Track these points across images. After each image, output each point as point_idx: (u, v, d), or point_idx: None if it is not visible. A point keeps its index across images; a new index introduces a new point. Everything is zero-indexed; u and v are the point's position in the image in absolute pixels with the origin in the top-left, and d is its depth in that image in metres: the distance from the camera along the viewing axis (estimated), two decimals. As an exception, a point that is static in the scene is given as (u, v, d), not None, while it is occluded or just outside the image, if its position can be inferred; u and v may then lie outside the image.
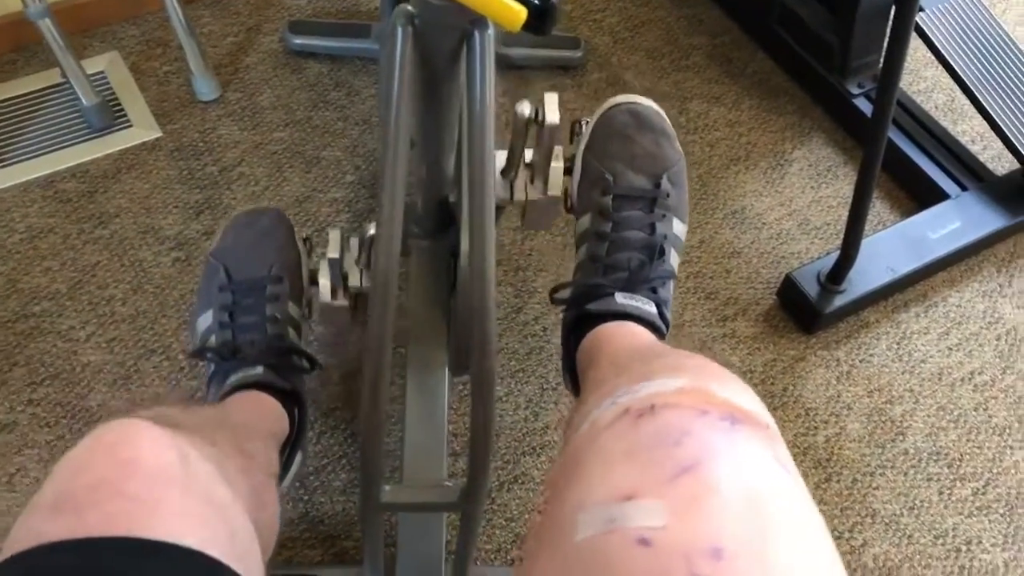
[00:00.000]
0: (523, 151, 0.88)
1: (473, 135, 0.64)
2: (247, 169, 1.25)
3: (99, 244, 1.16)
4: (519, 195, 0.90)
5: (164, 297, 1.12)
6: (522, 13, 0.54)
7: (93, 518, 0.48)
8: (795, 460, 1.03)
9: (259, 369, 0.85)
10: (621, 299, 0.79)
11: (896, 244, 1.19)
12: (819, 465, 1.06)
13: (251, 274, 0.89)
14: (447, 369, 0.88)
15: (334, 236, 0.90)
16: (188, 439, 0.57)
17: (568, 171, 0.87)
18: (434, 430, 0.83)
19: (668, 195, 0.82)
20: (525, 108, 0.84)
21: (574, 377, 0.82)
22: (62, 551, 0.47)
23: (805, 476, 1.03)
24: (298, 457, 0.90)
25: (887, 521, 1.03)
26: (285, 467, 0.88)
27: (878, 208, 1.28)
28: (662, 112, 0.87)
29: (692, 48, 1.45)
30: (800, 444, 1.07)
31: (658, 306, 0.80)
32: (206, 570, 0.49)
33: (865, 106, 1.32)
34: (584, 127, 0.88)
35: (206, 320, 0.89)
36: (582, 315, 0.81)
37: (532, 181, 0.90)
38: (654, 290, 0.80)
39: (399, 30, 0.60)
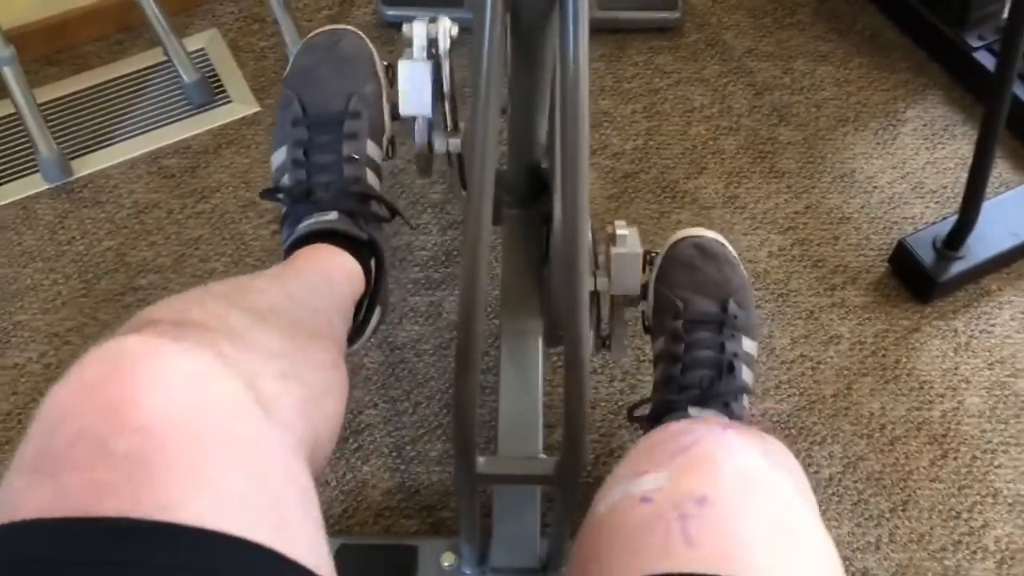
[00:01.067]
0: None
1: (566, 97, 0.62)
2: (343, 142, 1.25)
3: (201, 218, 1.18)
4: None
5: (264, 269, 1.14)
6: (615, -35, 0.51)
7: (74, 486, 0.39)
8: (908, 435, 0.99)
9: (333, 215, 0.81)
10: (694, 413, 0.83)
11: (1021, 207, 1.11)
12: (935, 441, 1.00)
13: (328, 107, 0.84)
14: (541, 340, 0.86)
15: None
16: (213, 346, 0.48)
17: (644, 297, 0.90)
18: (528, 402, 0.81)
19: (736, 317, 0.86)
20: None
21: None
22: (33, 534, 0.38)
23: (919, 452, 0.98)
24: (376, 312, 0.86)
25: (1011, 502, 0.97)
26: (364, 322, 0.85)
27: (1000, 168, 1.20)
28: (724, 241, 0.92)
29: (797, 5, 1.39)
30: (914, 419, 1.02)
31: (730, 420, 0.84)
32: (228, 557, 0.39)
33: (987, 60, 1.23)
34: (655, 258, 0.92)
35: (280, 156, 0.85)
36: None
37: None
38: (726, 404, 0.84)
39: (489, -11, 0.58)
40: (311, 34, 0.90)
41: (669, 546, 0.45)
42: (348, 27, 0.91)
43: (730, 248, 0.92)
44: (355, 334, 0.84)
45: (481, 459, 0.75)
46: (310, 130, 0.84)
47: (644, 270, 0.91)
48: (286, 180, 0.85)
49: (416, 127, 0.86)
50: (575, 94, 0.60)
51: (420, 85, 0.83)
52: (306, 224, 0.82)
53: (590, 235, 0.85)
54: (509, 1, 0.59)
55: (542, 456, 0.79)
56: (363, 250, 0.84)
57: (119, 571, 0.37)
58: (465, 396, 0.69)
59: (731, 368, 0.84)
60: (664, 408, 0.86)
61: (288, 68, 0.88)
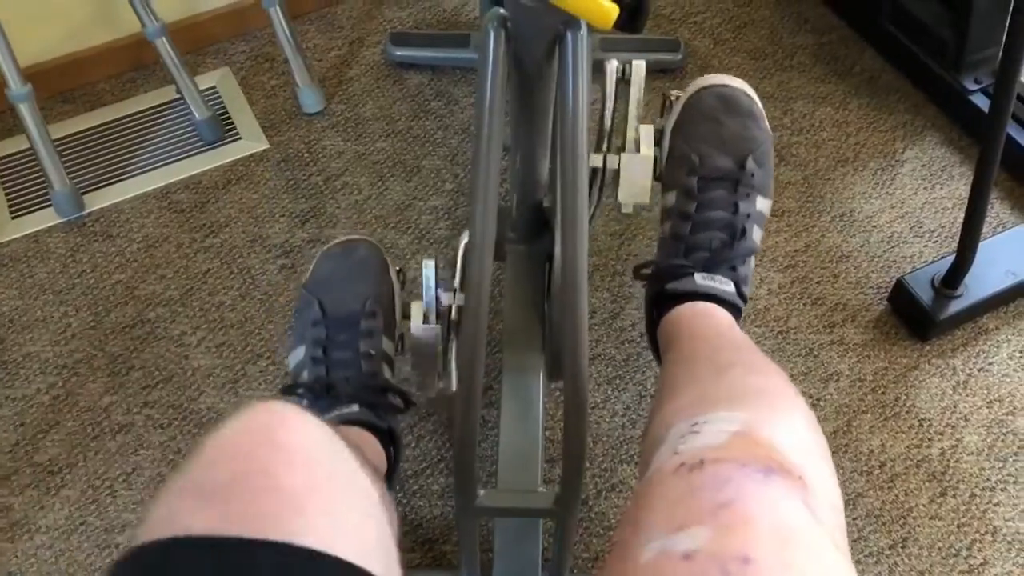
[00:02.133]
0: (613, 115, 0.87)
1: (566, 138, 0.64)
2: (351, 179, 1.28)
3: (210, 252, 1.20)
4: (612, 164, 0.87)
5: (271, 303, 1.15)
6: (614, 11, 0.53)
7: (242, 513, 0.45)
8: (908, 473, 0.99)
9: (355, 407, 0.84)
10: (700, 280, 0.81)
11: (1017, 246, 1.12)
12: (933, 478, 1.01)
13: (345, 309, 0.88)
14: (542, 374, 0.88)
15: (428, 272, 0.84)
16: (330, 427, 0.54)
17: (658, 142, 0.87)
18: (529, 435, 0.83)
19: (753, 175, 0.83)
20: (614, 65, 0.86)
21: (656, 344, 0.85)
22: (204, 548, 0.44)
23: (918, 490, 0.99)
24: (389, 496, 0.87)
25: (1010, 540, 0.97)
26: None
27: (997, 209, 1.22)
28: (751, 92, 0.88)
29: (797, 48, 1.41)
30: (913, 456, 1.02)
31: (736, 284, 0.83)
32: None
33: (982, 102, 1.25)
34: (674, 102, 0.88)
35: (298, 355, 0.88)
36: (663, 292, 0.83)
37: (624, 149, 0.88)
38: (734, 268, 0.82)
39: (491, 33, 0.60)
40: (329, 244, 0.95)
41: None
42: (364, 237, 0.96)
43: (757, 100, 0.87)
44: None
45: (481, 492, 0.76)
46: (328, 329, 0.87)
47: (661, 114, 0.89)
48: (305, 377, 0.87)
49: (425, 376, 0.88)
50: (574, 132, 0.62)
51: (428, 349, 0.85)
52: (328, 417, 0.84)
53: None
54: (511, 44, 0.61)
55: (541, 489, 0.79)
56: (383, 438, 0.87)
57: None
58: (466, 430, 0.70)
59: (743, 232, 0.82)
60: (669, 271, 0.83)
61: (308, 275, 0.93)
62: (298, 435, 0.48)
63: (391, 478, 0.89)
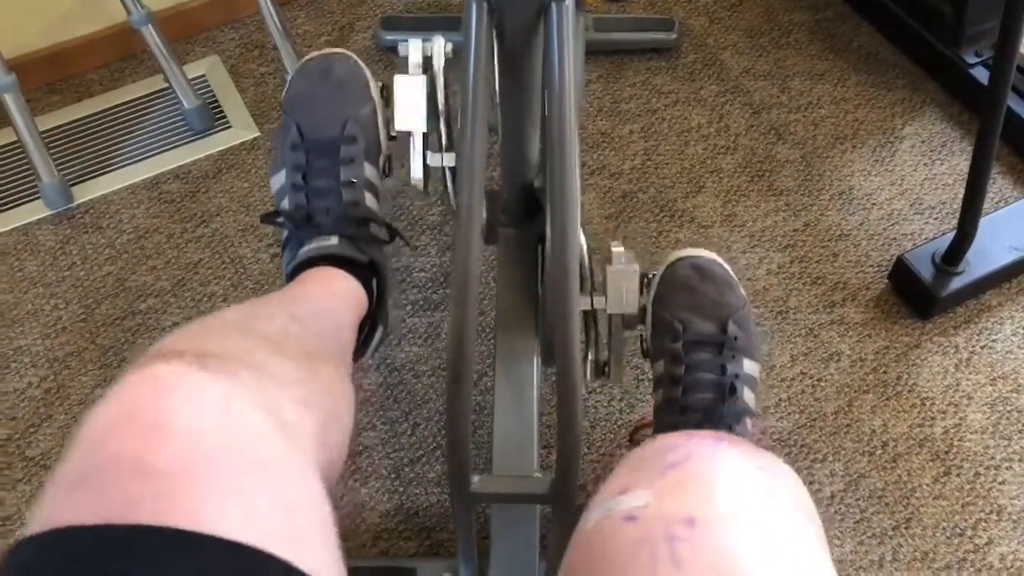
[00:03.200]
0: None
1: (553, 114, 0.62)
2: (342, 165, 1.26)
3: (201, 242, 1.19)
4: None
5: (263, 292, 1.14)
6: (597, -19, 0.51)
7: (115, 499, 0.43)
8: (911, 452, 0.98)
9: (334, 240, 0.83)
10: None
11: (1019, 221, 1.11)
12: (937, 458, 0.99)
13: (324, 133, 0.85)
14: (536, 358, 0.86)
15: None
16: (237, 377, 0.51)
17: (641, 320, 0.89)
18: (523, 420, 0.81)
19: (736, 338, 0.85)
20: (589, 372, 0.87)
21: None
22: (75, 539, 0.42)
23: (921, 469, 0.97)
24: (379, 331, 0.88)
25: (1015, 518, 0.95)
26: (365, 342, 0.86)
27: (999, 184, 1.20)
28: (722, 261, 0.90)
29: (793, 25, 1.39)
30: (916, 436, 1.01)
31: None
32: (246, 566, 0.43)
33: (983, 75, 1.23)
34: (652, 279, 0.91)
35: (279, 179, 0.87)
36: None
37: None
38: (729, 428, 0.83)
39: (473, 6, 0.59)
40: (305, 58, 0.92)
41: (657, 571, 0.43)
42: (342, 51, 0.92)
43: (728, 268, 0.91)
44: (358, 352, 0.85)
45: (476, 478, 0.74)
46: (308, 155, 0.85)
47: (641, 292, 0.90)
48: (286, 204, 0.86)
49: (412, 144, 0.87)
50: (561, 109, 0.60)
51: (415, 100, 0.84)
52: (307, 249, 0.83)
53: (586, 255, 0.85)
54: (494, 18, 0.60)
55: (537, 474, 0.78)
56: (364, 271, 0.85)
57: (151, 571, 0.41)
58: (458, 415, 0.69)
59: (732, 390, 0.83)
60: (666, 431, 0.84)
61: (284, 92, 0.90)
62: (173, 409, 0.45)
63: (379, 310, 0.87)
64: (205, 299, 1.14)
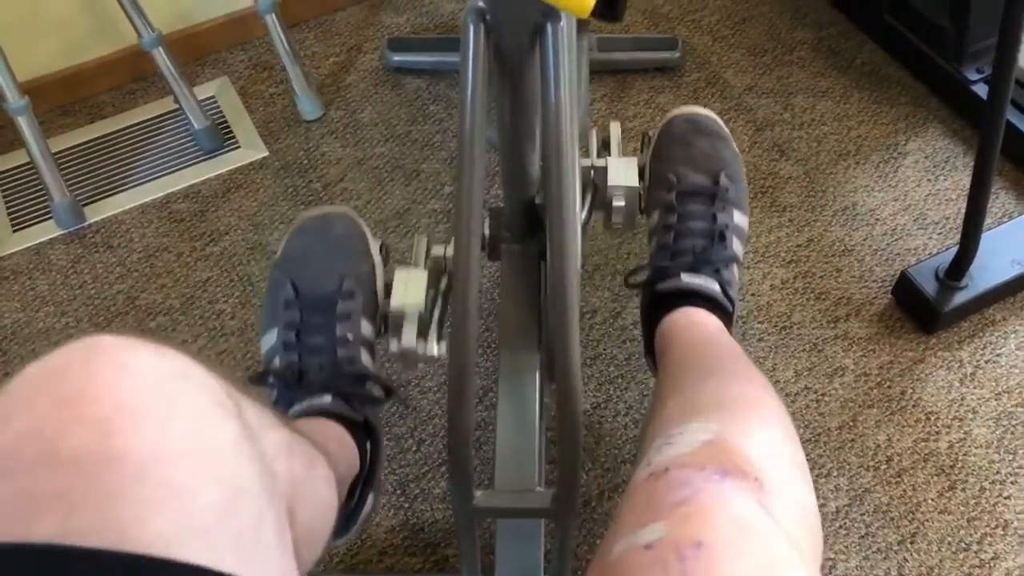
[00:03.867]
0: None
1: (550, 132, 0.63)
2: (350, 184, 1.28)
3: (210, 261, 1.20)
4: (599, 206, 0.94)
5: (270, 310, 1.15)
6: (591, 0, 0.53)
7: (5, 500, 0.34)
8: (916, 467, 0.98)
9: (327, 398, 0.79)
10: (686, 278, 0.86)
11: (1022, 236, 1.11)
12: (942, 472, 0.99)
13: (321, 289, 0.82)
14: (539, 374, 0.87)
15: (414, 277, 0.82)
16: (194, 365, 0.42)
17: (641, 175, 0.95)
18: (526, 435, 0.82)
19: (727, 190, 0.90)
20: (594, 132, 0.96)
21: (654, 358, 0.88)
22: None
23: (926, 484, 0.97)
24: (370, 499, 0.83)
25: (1021, 533, 0.95)
26: (356, 509, 0.82)
27: (1002, 199, 1.20)
28: (717, 118, 0.95)
29: (796, 42, 1.40)
30: (920, 450, 1.01)
31: (721, 286, 0.87)
32: None
33: (985, 92, 1.23)
34: (652, 136, 0.97)
35: (270, 339, 0.83)
36: (655, 297, 0.88)
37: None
38: (717, 271, 0.87)
39: (471, 26, 0.60)
40: (301, 217, 0.89)
41: None
42: (340, 208, 0.90)
43: (723, 124, 0.95)
44: (347, 520, 0.81)
45: (478, 493, 0.75)
46: (303, 312, 0.81)
47: (641, 150, 0.97)
48: (276, 363, 0.81)
49: (404, 329, 0.84)
50: (558, 125, 0.62)
51: (414, 288, 0.84)
52: (299, 407, 0.79)
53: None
54: (491, 38, 0.61)
55: (539, 489, 0.78)
56: (358, 431, 0.81)
57: None
58: (460, 429, 0.70)
59: (722, 237, 0.88)
60: (658, 274, 0.88)
61: (279, 252, 0.87)
62: (110, 376, 0.37)
63: (372, 476, 0.83)
64: (214, 316, 1.15)
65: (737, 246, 0.90)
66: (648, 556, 0.49)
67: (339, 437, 0.78)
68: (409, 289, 0.84)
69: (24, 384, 0.38)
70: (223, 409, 0.42)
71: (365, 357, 0.84)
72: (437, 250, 0.89)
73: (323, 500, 0.65)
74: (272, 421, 0.56)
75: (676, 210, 0.89)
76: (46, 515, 0.33)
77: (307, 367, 0.80)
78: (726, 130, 0.95)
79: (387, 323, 0.87)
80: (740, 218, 0.91)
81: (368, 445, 0.83)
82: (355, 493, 0.81)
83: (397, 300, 0.84)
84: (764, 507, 0.53)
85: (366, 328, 0.84)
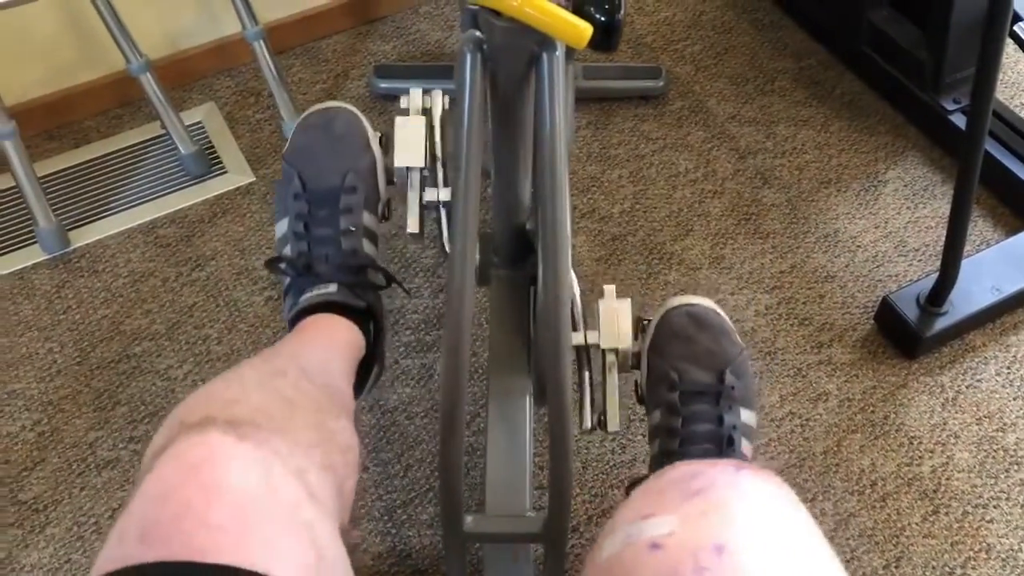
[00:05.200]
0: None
1: (544, 159, 0.64)
2: (336, 210, 1.28)
3: (196, 286, 1.20)
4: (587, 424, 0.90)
5: (257, 335, 1.15)
6: (588, 30, 0.54)
7: (181, 548, 0.48)
8: (899, 491, 0.99)
9: (332, 287, 0.86)
10: None
11: (1001, 263, 1.13)
12: (925, 496, 1.00)
13: (325, 183, 0.90)
14: (528, 399, 0.87)
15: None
16: (270, 445, 0.57)
17: (636, 366, 0.90)
18: (516, 460, 0.82)
19: (733, 387, 0.85)
20: (587, 418, 0.89)
21: None
22: (151, 570, 0.48)
23: (910, 508, 0.98)
24: (375, 370, 0.92)
25: (1004, 556, 0.96)
26: (363, 381, 0.90)
27: (980, 227, 1.23)
28: (718, 309, 0.90)
29: (777, 72, 1.43)
30: (904, 475, 1.02)
31: None
32: None
33: (962, 122, 1.26)
34: (647, 326, 0.91)
35: (282, 227, 0.91)
36: None
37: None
38: None
39: (468, 55, 0.61)
40: (307, 112, 0.96)
41: None
42: (342, 104, 0.96)
43: (724, 316, 0.90)
44: (357, 391, 0.89)
45: (468, 517, 0.75)
46: (309, 204, 0.89)
47: (636, 337, 0.91)
48: (288, 251, 0.90)
49: (409, 180, 0.93)
50: (552, 152, 0.62)
51: (415, 139, 0.91)
52: (308, 297, 0.87)
53: (577, 296, 0.87)
54: (488, 66, 0.62)
55: (529, 514, 0.79)
56: (362, 316, 0.89)
57: None
58: (451, 454, 0.70)
59: (731, 441, 0.83)
60: None
61: (287, 145, 0.94)
62: (226, 472, 0.52)
63: (375, 351, 0.91)
64: (200, 342, 1.14)
65: (746, 447, 0.85)
66: (657, 560, 0.44)
67: (345, 335, 0.86)
68: (410, 147, 0.91)
69: (167, 475, 0.52)
70: (301, 490, 0.56)
71: (368, 246, 0.91)
72: (426, 100, 0.93)
73: (352, 490, 0.72)
74: (322, 462, 0.64)
75: (680, 412, 0.84)
76: (209, 553, 0.49)
77: (315, 257, 0.88)
78: (728, 322, 0.90)
79: (389, 208, 0.96)
80: (748, 416, 0.86)
81: (372, 326, 0.90)
82: (362, 369, 0.90)
83: (400, 160, 0.92)
84: (783, 498, 0.49)
85: (368, 219, 0.91)
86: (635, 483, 0.88)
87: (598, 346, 0.87)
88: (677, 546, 0.44)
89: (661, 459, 0.86)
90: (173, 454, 0.53)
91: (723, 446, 0.82)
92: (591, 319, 0.89)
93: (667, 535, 0.44)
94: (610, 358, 0.87)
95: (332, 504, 0.61)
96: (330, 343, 0.85)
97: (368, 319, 0.90)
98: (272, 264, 0.91)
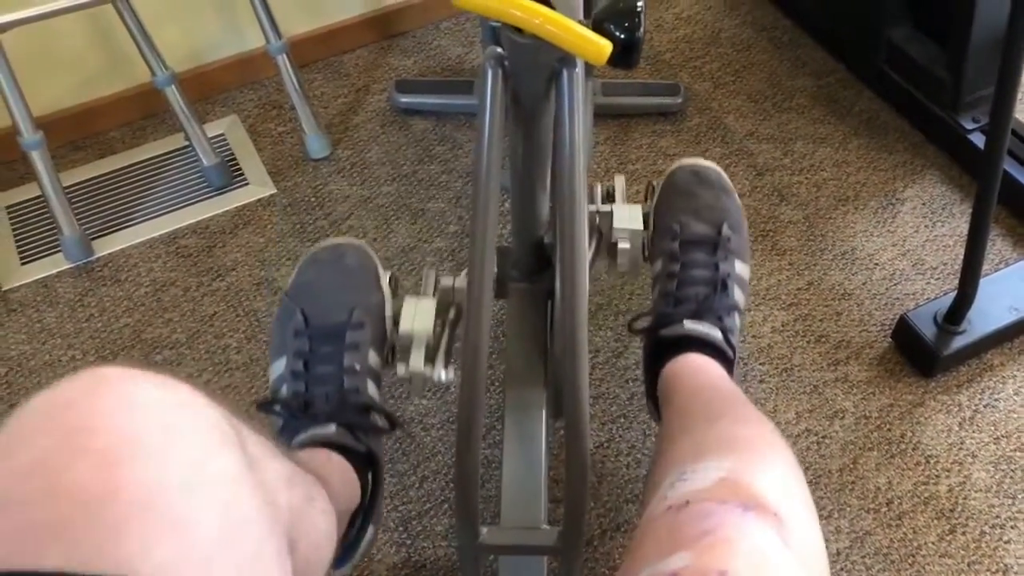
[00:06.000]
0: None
1: (562, 174, 0.65)
2: (356, 222, 1.29)
3: (216, 296, 1.21)
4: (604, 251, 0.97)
5: (276, 346, 1.16)
6: (607, 48, 0.55)
7: (15, 528, 0.34)
8: (916, 510, 0.98)
9: (331, 428, 0.79)
10: (689, 324, 0.88)
11: (1020, 282, 1.13)
12: (942, 516, 1.00)
13: (331, 319, 0.83)
14: (545, 412, 0.88)
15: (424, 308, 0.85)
16: (196, 395, 0.43)
17: (645, 224, 0.97)
18: (532, 472, 0.82)
19: (729, 239, 0.92)
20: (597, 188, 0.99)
21: (656, 403, 0.90)
22: None
23: (927, 527, 0.98)
24: (370, 531, 0.83)
25: (1021, 577, 0.96)
26: (355, 541, 0.82)
27: (999, 245, 1.22)
28: (720, 171, 0.98)
29: (796, 90, 1.43)
30: (920, 494, 1.02)
31: (723, 333, 0.88)
32: None
33: (981, 141, 1.26)
34: (656, 187, 0.99)
35: (278, 368, 0.84)
36: (658, 342, 0.89)
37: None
38: (720, 318, 0.88)
39: (489, 71, 0.62)
40: (314, 248, 0.91)
41: None
42: (353, 240, 0.92)
43: (725, 176, 0.97)
44: (346, 551, 0.81)
45: (484, 529, 0.75)
46: (312, 341, 0.83)
47: (646, 200, 1.00)
48: (284, 392, 0.83)
49: (412, 353, 0.86)
50: (571, 168, 0.63)
51: (423, 316, 0.87)
52: (304, 436, 0.80)
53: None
54: (509, 82, 0.63)
55: (544, 527, 0.79)
56: (361, 462, 0.82)
57: None
58: (467, 466, 0.70)
59: (724, 286, 0.90)
60: (661, 320, 0.90)
61: (291, 281, 0.89)
62: (115, 406, 0.38)
63: (372, 508, 0.84)
64: (219, 351, 1.16)
65: (739, 295, 0.92)
66: None
67: (341, 468, 0.79)
68: (418, 316, 0.86)
69: (27, 416, 0.38)
70: (224, 439, 0.42)
71: (371, 388, 0.85)
72: (446, 281, 0.92)
73: (321, 533, 0.66)
74: (274, 451, 0.56)
75: (679, 259, 0.91)
76: (52, 546, 0.33)
77: (313, 396, 0.81)
78: (729, 182, 0.97)
79: (395, 351, 0.88)
80: (741, 267, 0.93)
81: (370, 476, 0.83)
82: (355, 524, 0.82)
83: (406, 325, 0.86)
84: (784, 541, 0.54)
85: (373, 359, 0.85)
86: (635, 319, 0.93)
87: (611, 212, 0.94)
88: (689, 573, 0.50)
89: (660, 300, 0.91)
90: (51, 387, 0.40)
91: (717, 289, 0.89)
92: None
93: (683, 567, 0.51)
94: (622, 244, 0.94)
95: (278, 487, 0.51)
96: (324, 469, 0.75)
97: (367, 466, 0.83)
98: (265, 407, 0.82)
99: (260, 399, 0.85)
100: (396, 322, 0.87)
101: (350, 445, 0.80)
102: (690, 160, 0.98)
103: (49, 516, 0.34)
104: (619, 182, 1.01)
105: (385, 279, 0.91)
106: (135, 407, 0.38)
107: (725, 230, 0.92)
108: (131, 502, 0.35)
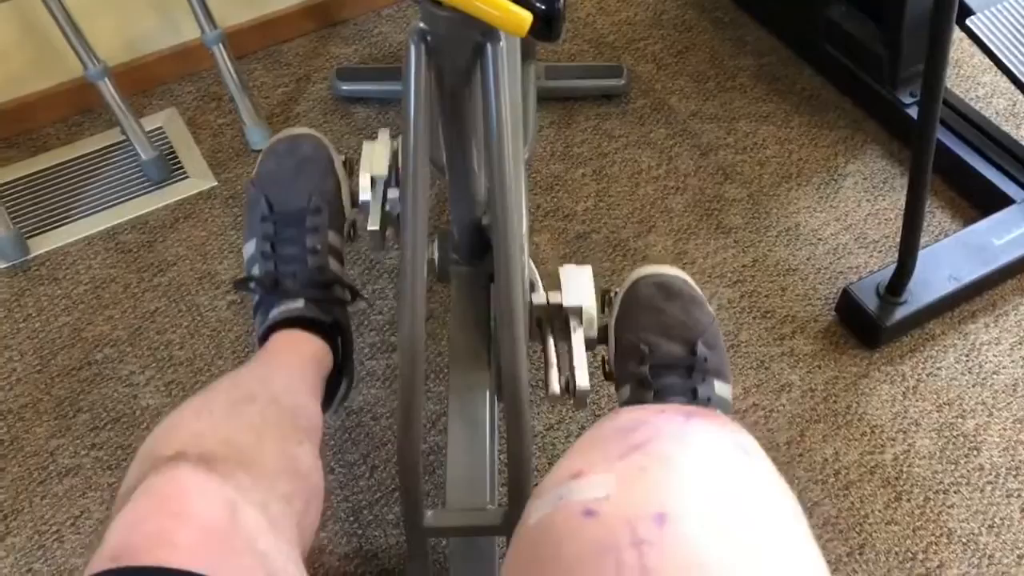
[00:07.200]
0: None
1: (492, 150, 0.65)
2: (299, 213, 1.27)
3: (158, 291, 1.19)
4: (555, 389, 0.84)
5: (220, 340, 1.14)
6: (527, 19, 0.54)
7: (149, 563, 0.52)
8: (862, 480, 0.99)
9: (300, 303, 0.88)
10: None
11: (958, 252, 1.14)
12: (888, 484, 1.01)
13: (291, 205, 0.92)
14: (489, 394, 0.87)
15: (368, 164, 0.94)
16: (235, 479, 0.61)
17: (603, 340, 0.87)
18: (476, 454, 0.82)
19: (706, 359, 0.81)
20: (554, 382, 0.82)
21: None
22: (124, 572, 0.52)
23: (873, 496, 0.99)
24: (343, 384, 0.94)
25: (964, 541, 0.97)
26: (331, 394, 0.92)
27: (939, 217, 1.24)
28: (687, 278, 0.88)
29: (738, 69, 1.44)
30: (867, 463, 1.03)
31: None
32: None
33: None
34: (614, 298, 0.88)
35: (250, 248, 0.94)
36: None
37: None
38: None
39: (412, 47, 0.61)
40: (273, 139, 1.00)
41: None
42: (308, 130, 1.00)
43: (694, 284, 0.87)
44: (326, 404, 0.91)
45: (429, 512, 0.75)
46: (276, 225, 0.92)
47: (603, 310, 0.87)
48: (256, 271, 0.93)
49: (373, 192, 0.95)
50: (500, 144, 0.63)
51: (380, 153, 0.96)
52: (276, 312, 0.89)
53: (530, 291, 0.86)
54: (432, 60, 0.62)
55: (490, 507, 0.79)
56: (329, 331, 0.90)
57: None
58: (409, 448, 0.70)
59: None
60: None
61: (255, 170, 0.98)
62: (193, 504, 0.56)
63: (344, 365, 0.93)
64: (162, 347, 1.14)
65: None
66: (591, 531, 0.38)
67: (313, 350, 0.87)
68: (375, 160, 0.95)
69: (138, 508, 0.56)
70: (261, 525, 0.60)
71: (333, 264, 0.93)
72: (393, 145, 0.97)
73: (315, 520, 0.74)
74: (285, 492, 0.66)
75: (651, 386, 0.80)
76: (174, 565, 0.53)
77: (282, 275, 0.90)
78: (699, 290, 0.87)
79: (355, 229, 0.99)
80: (722, 388, 0.83)
81: (340, 340, 0.92)
82: (331, 382, 0.91)
83: (365, 167, 0.95)
84: (740, 449, 0.43)
85: (333, 238, 0.94)
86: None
87: (560, 306, 0.83)
88: (612, 513, 0.38)
89: None
90: (146, 489, 0.57)
91: None
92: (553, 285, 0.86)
93: (602, 499, 0.39)
94: (574, 320, 0.83)
95: (291, 532, 0.64)
96: (298, 359, 0.86)
97: (336, 333, 0.91)
98: (241, 284, 0.93)
99: (236, 278, 0.95)
100: (353, 202, 0.97)
101: (318, 317, 0.88)
102: (651, 268, 0.88)
103: (170, 556, 0.52)
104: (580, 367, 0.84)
105: (339, 163, 0.99)
106: (210, 506, 0.58)
107: (700, 349, 0.81)
108: (217, 560, 0.55)
